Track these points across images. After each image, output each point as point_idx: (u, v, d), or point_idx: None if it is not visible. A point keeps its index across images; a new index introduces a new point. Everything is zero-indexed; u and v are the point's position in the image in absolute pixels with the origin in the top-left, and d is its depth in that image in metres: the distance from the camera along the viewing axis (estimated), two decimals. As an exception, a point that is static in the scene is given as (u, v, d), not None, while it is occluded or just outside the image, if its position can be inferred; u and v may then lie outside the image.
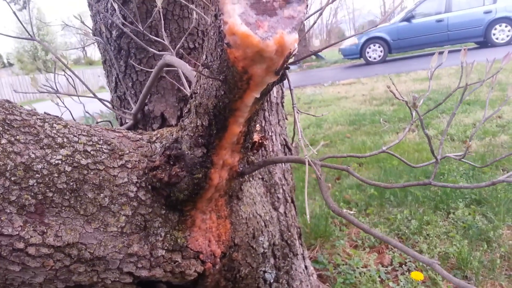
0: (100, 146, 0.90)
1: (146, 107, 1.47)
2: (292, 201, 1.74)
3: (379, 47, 12.13)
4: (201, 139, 0.87)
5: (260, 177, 1.51)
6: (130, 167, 0.91)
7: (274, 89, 1.61)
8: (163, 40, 1.27)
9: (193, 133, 0.86)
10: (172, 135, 0.93)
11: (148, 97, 1.45)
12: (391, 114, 5.56)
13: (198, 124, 0.85)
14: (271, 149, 1.59)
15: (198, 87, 0.79)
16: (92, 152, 0.88)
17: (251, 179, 1.25)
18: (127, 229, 0.89)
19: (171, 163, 0.89)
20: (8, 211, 0.75)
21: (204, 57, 0.70)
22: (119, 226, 0.88)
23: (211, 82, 0.73)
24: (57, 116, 0.94)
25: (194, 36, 1.35)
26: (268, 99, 1.54)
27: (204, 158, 0.87)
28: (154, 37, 1.21)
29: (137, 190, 0.90)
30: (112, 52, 1.38)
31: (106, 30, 1.34)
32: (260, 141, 1.11)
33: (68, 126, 0.89)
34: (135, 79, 1.42)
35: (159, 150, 0.92)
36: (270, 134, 1.58)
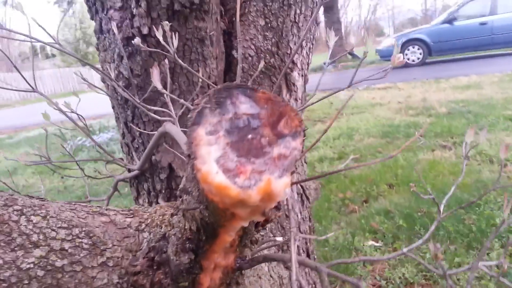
0: (80, 240, 0.81)
1: (153, 157, 1.38)
2: (308, 255, 1.61)
3: (418, 49, 11.65)
4: (189, 243, 0.76)
5: (272, 235, 1.39)
6: (111, 265, 0.81)
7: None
8: (167, 94, 1.17)
9: (181, 234, 0.76)
10: (161, 228, 0.83)
11: (157, 147, 1.36)
12: (427, 128, 5.28)
13: (186, 227, 0.74)
14: (285, 202, 1.47)
15: (183, 198, 0.68)
16: (69, 250, 0.79)
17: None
18: (108, 335, 0.80)
19: (155, 267, 0.79)
20: (-31, 329, 0.68)
21: (184, 180, 0.59)
22: (97, 332, 0.79)
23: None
24: (41, 200, 0.86)
25: (205, 89, 1.24)
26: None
27: (191, 264, 0.77)
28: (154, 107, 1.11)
29: (119, 291, 0.81)
30: (119, 101, 1.30)
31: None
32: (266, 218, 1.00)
33: (48, 217, 0.81)
34: (142, 129, 1.34)
35: (144, 247, 0.82)
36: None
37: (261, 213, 0.53)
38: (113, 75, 1.23)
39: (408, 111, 6.56)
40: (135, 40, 0.90)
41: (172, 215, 0.78)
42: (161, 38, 0.86)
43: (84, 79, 1.21)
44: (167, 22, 0.83)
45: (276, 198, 0.49)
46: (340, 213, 3.40)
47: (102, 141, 6.87)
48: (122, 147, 1.48)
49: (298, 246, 1.53)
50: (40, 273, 0.74)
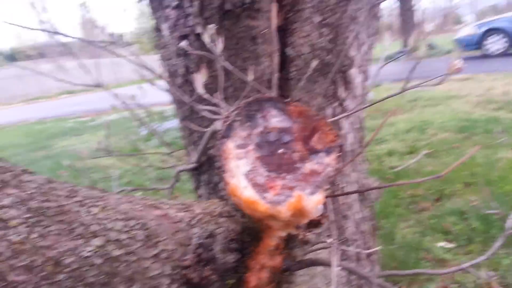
0: (135, 232, 0.86)
1: (209, 151, 1.43)
2: (368, 255, 1.58)
3: (501, 38, 10.65)
4: (234, 244, 0.78)
5: (328, 234, 1.38)
6: (164, 257, 0.86)
7: (351, 136, 1.45)
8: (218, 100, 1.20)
9: (227, 234, 0.78)
10: (210, 226, 0.86)
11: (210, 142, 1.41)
12: (509, 124, 4.86)
13: (231, 228, 0.76)
14: (343, 201, 1.44)
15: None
16: (125, 241, 0.85)
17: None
18: (159, 323, 0.85)
19: (203, 263, 0.82)
20: (37, 306, 0.76)
21: (224, 186, 0.61)
22: (149, 319, 0.84)
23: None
24: (101, 191, 0.93)
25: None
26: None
27: (237, 264, 0.79)
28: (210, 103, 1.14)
29: (170, 282, 0.85)
30: (176, 98, 1.35)
31: (170, 77, 1.31)
32: (317, 220, 1.00)
33: (106, 209, 0.87)
34: (199, 124, 1.38)
35: (193, 242, 0.86)
36: (342, 185, 1.43)
37: (296, 227, 0.53)
38: (169, 72, 1.28)
39: (488, 105, 6.06)
40: (183, 42, 0.93)
41: (220, 214, 0.80)
42: (207, 40, 0.88)
43: (147, 69, 1.27)
44: (213, 24, 0.85)
45: (308, 215, 0.49)
46: (409, 210, 3.27)
47: (174, 127, 7.18)
48: (182, 139, 1.54)
49: (358, 246, 1.50)
50: (98, 261, 0.81)
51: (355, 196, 1.47)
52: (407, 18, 17.05)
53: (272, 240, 0.74)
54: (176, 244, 0.88)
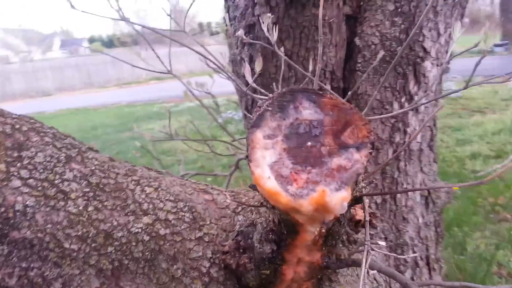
0: (183, 214, 0.90)
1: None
2: (428, 263, 1.48)
3: None
4: (272, 234, 0.78)
5: (383, 236, 1.32)
6: (207, 240, 0.88)
7: (420, 135, 1.36)
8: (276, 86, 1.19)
9: (266, 224, 0.78)
10: (252, 215, 0.86)
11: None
12: None
13: (270, 218, 0.76)
14: (403, 203, 1.37)
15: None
16: (173, 221, 0.88)
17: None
18: (197, 303, 0.88)
19: (241, 250, 0.83)
20: (88, 273, 0.82)
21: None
22: (189, 298, 0.87)
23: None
24: (158, 173, 0.97)
25: (321, 77, 1.22)
26: (407, 147, 1.31)
27: (273, 255, 0.78)
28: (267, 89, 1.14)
29: (210, 266, 0.87)
30: (241, 88, 1.37)
31: (235, 65, 1.32)
32: (363, 220, 0.96)
33: (159, 189, 0.91)
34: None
35: (235, 229, 0.87)
36: (405, 185, 1.36)
37: (321, 222, 0.51)
38: (234, 62, 1.30)
39: None
40: (239, 32, 0.93)
41: (261, 204, 0.80)
42: (265, 29, 0.87)
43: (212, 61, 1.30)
44: (270, 14, 0.84)
45: (332, 211, 0.47)
46: (487, 220, 3.01)
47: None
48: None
49: (415, 252, 1.42)
50: (146, 238, 0.85)
51: (418, 199, 1.38)
52: (508, 6, 15.53)
53: (309, 235, 0.72)
54: (220, 230, 0.90)
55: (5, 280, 0.78)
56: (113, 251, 0.83)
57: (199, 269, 0.87)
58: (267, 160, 0.47)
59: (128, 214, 0.86)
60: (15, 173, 0.79)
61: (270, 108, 0.48)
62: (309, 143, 0.47)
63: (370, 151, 0.47)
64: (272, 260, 0.79)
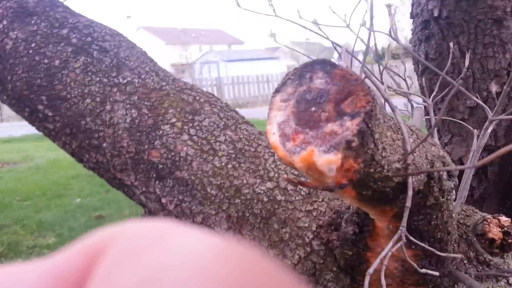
0: (301, 188, 1.00)
1: (445, 147, 1.33)
2: None
3: None
4: (356, 217, 0.80)
5: None
6: (314, 215, 0.96)
7: None
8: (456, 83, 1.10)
9: (356, 206, 0.81)
10: (356, 200, 0.89)
11: (449, 137, 1.30)
12: None
13: (356, 200, 0.79)
14: None
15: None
16: (290, 191, 1.00)
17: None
18: (298, 268, 0.97)
19: (332, 227, 0.87)
20: (220, 216, 1.03)
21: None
22: (293, 261, 0.98)
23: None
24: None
25: (502, 78, 1.07)
26: None
27: (355, 237, 0.81)
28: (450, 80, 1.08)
29: (313, 238, 0.95)
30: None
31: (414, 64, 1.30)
32: (499, 240, 0.84)
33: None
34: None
35: (341, 209, 0.92)
36: None
37: (325, 187, 0.55)
38: (413, 59, 1.27)
39: None
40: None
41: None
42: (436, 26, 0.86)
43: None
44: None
45: (320, 171, 0.51)
46: None
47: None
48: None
49: None
50: (265, 199, 1.00)
51: None
52: None
53: (381, 222, 0.71)
54: (328, 209, 0.96)
55: (168, 205, 1.07)
56: (239, 203, 1.02)
57: (303, 238, 0.96)
58: (277, 119, 0.54)
59: (257, 177, 1.03)
60: (186, 130, 1.08)
61: (292, 77, 0.55)
62: (313, 109, 0.52)
63: (363, 119, 0.48)
64: (354, 242, 0.81)
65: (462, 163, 1.27)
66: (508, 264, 0.92)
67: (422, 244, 0.62)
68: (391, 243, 0.60)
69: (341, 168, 0.51)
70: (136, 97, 1.10)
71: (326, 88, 0.52)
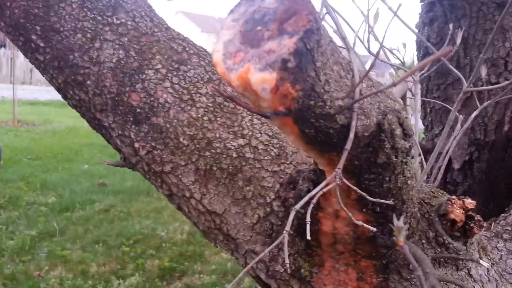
0: (271, 148, 0.98)
1: (435, 138, 1.29)
2: None
3: None
4: (313, 174, 0.79)
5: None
6: (279, 176, 0.94)
7: None
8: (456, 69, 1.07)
9: (313, 163, 0.79)
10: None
11: (441, 128, 1.26)
12: None
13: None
14: None
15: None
16: (260, 150, 0.98)
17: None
18: (256, 228, 0.96)
19: (291, 186, 0.86)
20: (189, 167, 1.03)
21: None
22: (252, 221, 0.96)
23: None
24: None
25: (499, 68, 1.03)
26: None
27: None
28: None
29: (274, 199, 0.93)
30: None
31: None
32: (462, 222, 0.81)
33: (265, 124, 1.03)
34: (431, 106, 1.27)
35: (303, 169, 0.90)
36: None
37: (261, 111, 0.53)
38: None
39: None
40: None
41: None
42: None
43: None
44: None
45: (254, 89, 0.49)
46: None
47: None
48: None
49: None
50: (234, 155, 0.99)
51: None
52: None
53: (326, 170, 0.69)
54: (294, 171, 0.94)
55: (140, 151, 1.07)
56: (209, 156, 1.01)
57: (265, 197, 0.95)
58: (224, 38, 0.53)
59: (230, 132, 1.02)
60: (169, 78, 1.07)
61: (248, -3, 0.54)
62: (258, 28, 0.50)
63: (301, 38, 0.46)
64: (308, 201, 0.79)
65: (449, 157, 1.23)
66: (472, 254, 0.89)
67: (360, 192, 0.59)
68: (323, 183, 0.58)
69: (277, 91, 0.49)
70: (126, 39, 1.09)
71: (274, 7, 0.50)
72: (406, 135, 0.63)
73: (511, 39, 0.99)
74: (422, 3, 1.22)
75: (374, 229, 0.65)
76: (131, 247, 3.16)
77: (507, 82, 0.70)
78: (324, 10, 0.61)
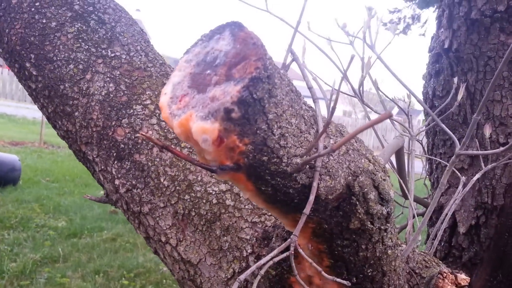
0: (254, 197, 0.91)
1: (441, 197, 1.19)
2: None
3: None
4: (286, 232, 0.71)
5: None
6: (258, 228, 0.87)
7: None
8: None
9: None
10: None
11: (447, 187, 1.16)
12: None
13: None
14: None
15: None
16: (241, 198, 0.91)
17: None
18: (230, 284, 0.88)
19: (265, 242, 0.78)
20: (168, 210, 0.96)
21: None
22: (226, 275, 0.88)
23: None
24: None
25: (508, 127, 0.94)
26: None
27: (282, 260, 0.70)
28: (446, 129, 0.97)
29: (251, 253, 0.85)
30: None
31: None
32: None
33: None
34: (437, 163, 1.18)
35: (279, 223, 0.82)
36: None
37: (207, 165, 0.47)
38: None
39: None
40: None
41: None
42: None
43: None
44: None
45: (195, 139, 0.43)
46: None
47: None
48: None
49: None
50: (214, 201, 0.92)
51: None
52: None
53: (300, 239, 0.61)
54: (272, 226, 0.86)
55: (119, 188, 1.02)
56: (189, 199, 0.94)
57: (241, 251, 0.87)
58: (174, 80, 0.48)
59: (213, 176, 0.96)
60: (157, 114, 1.03)
61: (203, 38, 0.49)
62: (208, 71, 0.45)
63: (246, 86, 0.40)
64: (279, 261, 0.71)
65: (454, 218, 1.12)
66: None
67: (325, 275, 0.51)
68: (275, 251, 0.50)
69: (220, 143, 0.43)
70: (118, 72, 1.07)
71: (226, 50, 0.45)
72: (383, 199, 0.55)
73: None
74: (430, 53, 1.16)
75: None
76: (131, 281, 3.08)
77: (502, 148, 0.61)
78: (290, 57, 0.56)
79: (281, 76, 0.46)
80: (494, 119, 0.94)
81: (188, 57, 0.49)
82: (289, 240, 0.49)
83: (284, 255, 0.50)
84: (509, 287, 1.00)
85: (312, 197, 0.48)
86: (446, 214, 0.84)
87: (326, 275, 0.51)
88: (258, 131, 0.44)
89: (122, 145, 1.01)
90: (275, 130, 0.45)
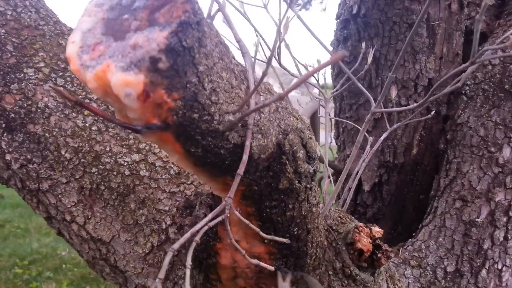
0: (171, 166, 0.86)
1: (347, 159, 1.25)
2: None
3: None
4: (210, 199, 0.68)
5: None
6: (179, 196, 0.83)
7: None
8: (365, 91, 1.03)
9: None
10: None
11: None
12: None
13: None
14: (506, 283, 0.99)
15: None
16: (158, 168, 0.86)
17: None
18: (149, 258, 0.83)
19: (188, 211, 0.74)
20: (72, 185, 0.87)
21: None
22: (144, 250, 0.83)
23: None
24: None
25: (409, 90, 1.01)
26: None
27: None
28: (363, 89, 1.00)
29: (171, 224, 0.81)
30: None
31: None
32: (369, 252, 0.75)
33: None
34: (343, 126, 1.24)
35: (201, 191, 0.79)
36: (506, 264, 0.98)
37: (130, 125, 0.41)
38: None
39: None
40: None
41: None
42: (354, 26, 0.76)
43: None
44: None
45: (115, 93, 0.37)
46: None
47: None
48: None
49: None
50: (127, 172, 0.85)
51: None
52: None
53: (218, 191, 0.59)
54: (193, 194, 0.83)
55: (11, 164, 0.89)
56: (96, 172, 0.86)
57: (160, 223, 0.82)
58: (83, 26, 0.41)
59: (124, 146, 0.88)
60: (53, 78, 0.91)
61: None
62: (125, 16, 0.39)
63: (174, 31, 0.36)
64: (206, 231, 0.68)
65: (360, 179, 1.19)
66: (380, 285, 0.84)
67: (254, 227, 0.49)
68: (210, 215, 0.48)
69: (147, 99, 0.38)
70: (3, 31, 0.92)
71: (147, -8, 0.39)
72: (310, 158, 0.55)
73: (421, 61, 0.98)
74: (338, 20, 1.19)
75: (272, 268, 0.56)
76: (25, 269, 2.81)
77: (415, 104, 0.65)
78: (216, 6, 0.52)
79: (209, 25, 0.42)
80: (397, 82, 1.01)
81: (99, 1, 0.42)
82: (223, 203, 0.47)
83: (219, 218, 0.47)
84: (407, 238, 1.11)
85: (245, 157, 0.45)
86: (357, 172, 0.88)
87: (263, 234, 0.49)
88: (188, 85, 0.39)
89: (13, 115, 0.88)
90: (206, 84, 0.41)
